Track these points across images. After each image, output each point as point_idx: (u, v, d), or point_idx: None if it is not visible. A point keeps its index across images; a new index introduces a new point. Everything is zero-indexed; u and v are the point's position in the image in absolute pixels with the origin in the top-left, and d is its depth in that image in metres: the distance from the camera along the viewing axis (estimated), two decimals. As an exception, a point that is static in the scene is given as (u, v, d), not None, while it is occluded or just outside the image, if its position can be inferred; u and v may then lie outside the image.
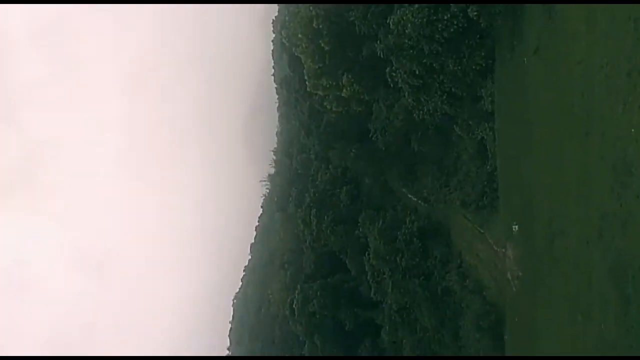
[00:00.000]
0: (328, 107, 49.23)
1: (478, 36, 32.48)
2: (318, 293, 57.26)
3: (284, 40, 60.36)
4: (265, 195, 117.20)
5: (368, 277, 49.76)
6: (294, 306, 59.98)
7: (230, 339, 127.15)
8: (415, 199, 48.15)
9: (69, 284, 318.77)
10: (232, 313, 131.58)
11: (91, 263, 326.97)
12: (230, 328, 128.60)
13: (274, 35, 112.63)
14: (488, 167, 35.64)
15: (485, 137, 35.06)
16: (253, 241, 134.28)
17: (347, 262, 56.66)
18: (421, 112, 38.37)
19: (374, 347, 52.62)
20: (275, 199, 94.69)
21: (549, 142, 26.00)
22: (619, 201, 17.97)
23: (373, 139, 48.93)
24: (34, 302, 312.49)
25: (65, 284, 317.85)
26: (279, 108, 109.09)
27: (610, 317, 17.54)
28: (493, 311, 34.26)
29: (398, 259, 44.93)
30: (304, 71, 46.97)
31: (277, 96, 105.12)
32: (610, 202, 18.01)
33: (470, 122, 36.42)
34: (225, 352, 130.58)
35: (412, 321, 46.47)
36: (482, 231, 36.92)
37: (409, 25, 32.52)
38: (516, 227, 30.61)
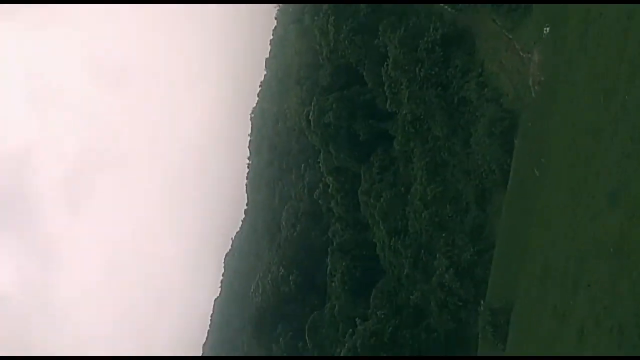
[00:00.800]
0: None
1: None
2: (334, 105, 58.13)
3: None
4: (279, 6, 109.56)
5: (385, 89, 49.49)
6: (310, 118, 61.65)
7: (249, 150, 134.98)
8: (442, 4, 44.51)
9: (88, 94, 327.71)
10: (250, 127, 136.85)
11: (109, 74, 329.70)
12: (250, 140, 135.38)
13: None
14: (529, -40, 31.76)
15: None
16: (268, 56, 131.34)
17: (364, 74, 55.80)
18: None
19: (385, 155, 55.44)
20: (290, 10, 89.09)
21: None
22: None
23: None
24: (55, 114, 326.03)
25: (85, 94, 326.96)
26: None
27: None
28: (508, 117, 34.50)
29: (417, 69, 43.83)
30: None
31: None
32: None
33: None
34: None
35: (425, 131, 47.67)
36: (510, 36, 34.88)
37: None
38: (547, 29, 28.70)
